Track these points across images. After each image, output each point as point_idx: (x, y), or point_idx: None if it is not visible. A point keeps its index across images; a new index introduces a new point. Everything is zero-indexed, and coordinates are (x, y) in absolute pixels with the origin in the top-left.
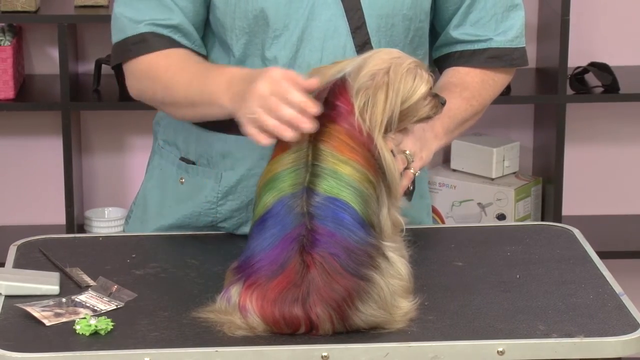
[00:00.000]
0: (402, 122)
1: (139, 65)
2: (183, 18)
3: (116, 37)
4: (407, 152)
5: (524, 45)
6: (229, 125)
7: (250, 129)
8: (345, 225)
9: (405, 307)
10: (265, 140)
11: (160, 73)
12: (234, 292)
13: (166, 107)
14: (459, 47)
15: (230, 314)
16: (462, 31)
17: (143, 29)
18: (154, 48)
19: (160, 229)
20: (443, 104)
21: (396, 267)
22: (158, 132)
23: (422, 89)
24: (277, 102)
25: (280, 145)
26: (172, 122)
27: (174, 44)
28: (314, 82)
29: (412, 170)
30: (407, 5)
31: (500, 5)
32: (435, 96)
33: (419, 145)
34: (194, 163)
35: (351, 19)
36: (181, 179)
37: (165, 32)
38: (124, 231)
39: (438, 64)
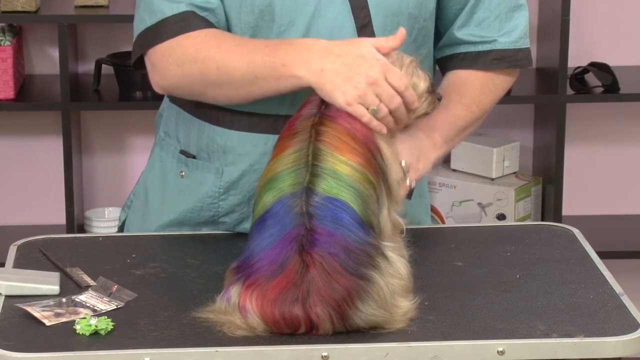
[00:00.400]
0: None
1: (182, 47)
2: (219, 3)
3: (150, 20)
4: (403, 162)
5: (529, 46)
6: (231, 120)
7: (359, 109)
8: (344, 225)
9: (405, 306)
10: (382, 128)
11: (212, 52)
12: (234, 292)
13: (216, 89)
14: (463, 49)
15: (230, 314)
16: (467, 32)
17: (184, 7)
18: (198, 26)
19: (162, 225)
20: (439, 99)
21: (395, 266)
22: (160, 123)
23: (421, 85)
24: (392, 93)
25: (282, 145)
26: (173, 114)
27: (213, 27)
28: (398, 40)
29: (407, 182)
30: (412, 4)
31: (504, 5)
32: (432, 92)
33: (415, 155)
34: (194, 157)
35: (357, 17)
36: (181, 172)
37: (204, 14)
38: (119, 219)
39: (441, 65)
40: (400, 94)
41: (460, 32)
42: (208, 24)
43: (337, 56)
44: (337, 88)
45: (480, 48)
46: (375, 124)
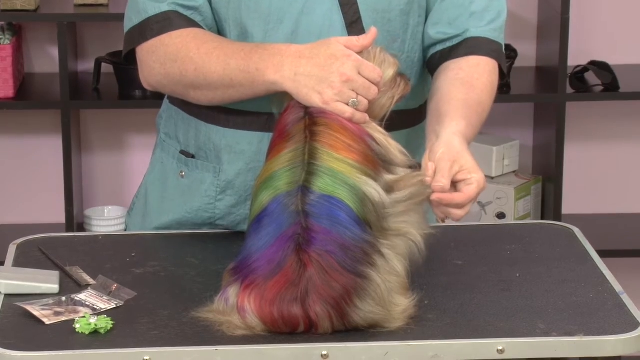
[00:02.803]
0: (382, 108)
1: (165, 46)
2: (204, 1)
3: (136, 19)
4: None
5: (502, 42)
6: (226, 119)
7: (338, 107)
8: (340, 222)
9: (403, 304)
10: (365, 118)
11: (192, 53)
12: (232, 293)
13: (196, 90)
14: (439, 47)
15: (229, 315)
16: (439, 29)
17: (166, 7)
18: (179, 26)
19: (160, 226)
20: (409, 80)
21: (392, 263)
22: (160, 125)
23: (389, 72)
24: (368, 85)
25: (277, 148)
26: (172, 115)
27: (197, 25)
28: (369, 38)
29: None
30: (404, 1)
31: (479, 2)
32: (402, 76)
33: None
34: (193, 157)
35: (346, 13)
36: (181, 172)
37: (188, 13)
38: (125, 224)
39: (428, 67)
40: (376, 84)
41: (432, 29)
42: (191, 24)
43: (309, 59)
44: (313, 90)
45: (454, 42)
46: (358, 116)
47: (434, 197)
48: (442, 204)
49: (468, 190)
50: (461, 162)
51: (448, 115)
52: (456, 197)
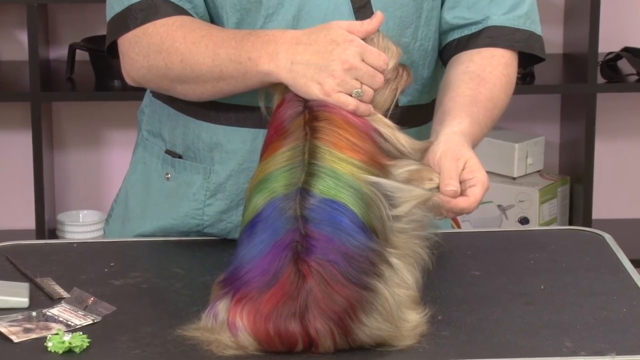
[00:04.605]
0: (385, 101)
1: (148, 37)
2: None
3: (117, 6)
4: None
5: (532, 30)
6: (217, 115)
7: (340, 98)
8: (343, 229)
9: (413, 320)
10: (369, 110)
11: (177, 43)
12: (222, 308)
13: (183, 84)
14: (456, 34)
15: (218, 333)
16: (457, 14)
17: None
18: (165, 14)
19: (142, 234)
20: (410, 71)
21: (401, 274)
22: (142, 121)
23: (391, 61)
24: (373, 72)
25: (273, 146)
26: (156, 111)
27: (186, 13)
28: (374, 23)
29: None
30: None
31: None
32: (403, 66)
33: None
34: (180, 157)
35: None
36: (167, 174)
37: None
38: (104, 234)
39: (442, 59)
40: (382, 72)
41: (449, 14)
42: (178, 11)
43: (307, 45)
44: (312, 80)
45: (473, 30)
46: (362, 108)
47: (438, 199)
48: (444, 207)
49: (473, 193)
50: (464, 158)
51: (450, 113)
52: (460, 202)
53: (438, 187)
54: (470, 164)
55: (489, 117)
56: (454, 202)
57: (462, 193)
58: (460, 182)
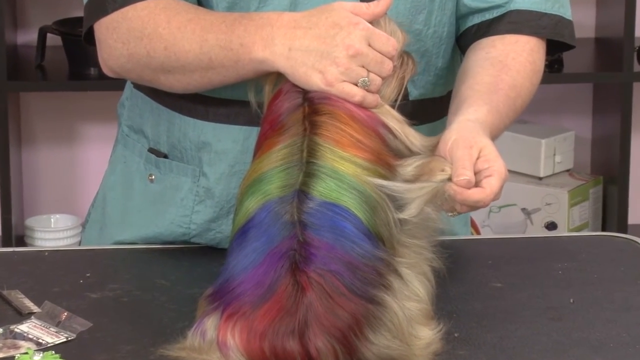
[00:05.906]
0: (392, 92)
1: (128, 21)
2: None
3: None
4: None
5: (561, 14)
6: (205, 110)
7: (345, 88)
8: (346, 236)
9: (426, 336)
10: (377, 100)
11: (161, 28)
12: (210, 325)
13: (167, 75)
14: (476, 19)
15: (206, 353)
16: None
17: None
18: None
19: (122, 242)
20: (415, 60)
21: (412, 286)
22: (122, 115)
23: (397, 48)
24: (381, 58)
25: (268, 143)
26: (138, 104)
27: None
28: (382, 5)
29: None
30: None
31: None
32: (407, 53)
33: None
34: (165, 156)
35: None
36: (150, 175)
37: None
38: (79, 242)
39: (459, 45)
40: (390, 59)
41: None
42: None
43: (306, 29)
44: (313, 68)
45: (494, 14)
46: (369, 99)
47: (450, 189)
48: (456, 200)
49: (489, 184)
50: (479, 146)
51: (467, 101)
52: (475, 193)
53: (450, 178)
54: (485, 152)
55: (511, 107)
56: (467, 194)
57: (476, 184)
58: (475, 173)
